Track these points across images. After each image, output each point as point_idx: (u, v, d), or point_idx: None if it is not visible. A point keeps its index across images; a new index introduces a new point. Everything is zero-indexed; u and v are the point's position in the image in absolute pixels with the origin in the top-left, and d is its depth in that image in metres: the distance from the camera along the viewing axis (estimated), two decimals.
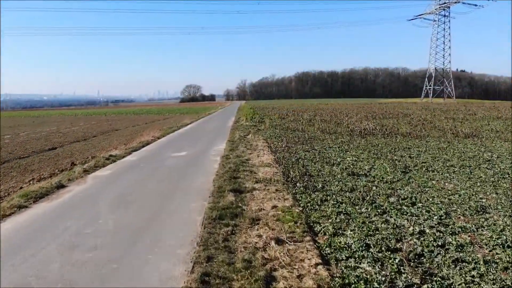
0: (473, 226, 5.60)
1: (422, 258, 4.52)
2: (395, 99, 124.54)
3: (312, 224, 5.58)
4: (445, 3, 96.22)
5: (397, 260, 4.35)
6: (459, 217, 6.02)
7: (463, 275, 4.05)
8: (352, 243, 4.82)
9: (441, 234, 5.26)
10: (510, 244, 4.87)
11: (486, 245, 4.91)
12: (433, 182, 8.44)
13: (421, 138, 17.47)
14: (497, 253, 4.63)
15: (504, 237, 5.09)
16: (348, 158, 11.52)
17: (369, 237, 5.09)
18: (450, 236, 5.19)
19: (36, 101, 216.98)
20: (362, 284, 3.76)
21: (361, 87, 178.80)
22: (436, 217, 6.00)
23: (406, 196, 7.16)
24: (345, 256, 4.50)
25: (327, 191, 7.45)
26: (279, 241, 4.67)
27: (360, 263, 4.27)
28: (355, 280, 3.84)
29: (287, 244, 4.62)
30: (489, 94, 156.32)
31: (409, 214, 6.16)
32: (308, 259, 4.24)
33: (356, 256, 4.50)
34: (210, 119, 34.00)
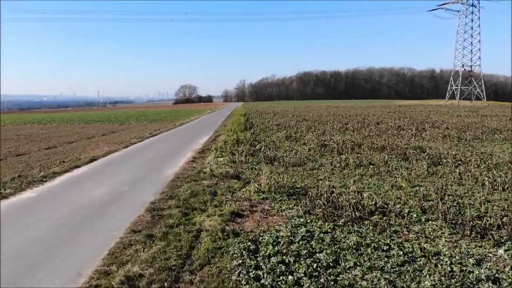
0: None
1: None
2: (411, 100, 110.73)
3: None
4: None
5: None
6: None
7: None
8: None
9: None
10: None
11: None
12: None
13: None
14: None
15: None
16: None
17: None
18: None
19: (36, 102, 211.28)
20: None
21: (365, 88, 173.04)
22: None
23: None
24: None
25: None
26: None
27: None
28: None
29: None
30: (498, 95, 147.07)
31: None
32: None
33: None
34: (164, 139, 19.68)
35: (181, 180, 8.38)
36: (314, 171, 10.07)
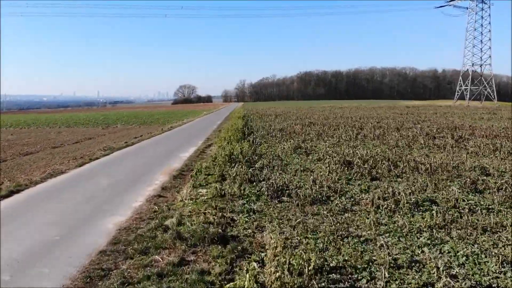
0: None
1: None
2: (417, 101, 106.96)
3: None
4: None
5: None
6: None
7: None
8: None
9: None
10: None
11: None
12: None
13: None
14: None
15: None
16: None
17: None
18: None
19: (36, 102, 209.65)
20: None
21: (367, 88, 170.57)
22: None
23: None
24: None
25: None
26: None
27: None
28: None
29: None
30: (501, 95, 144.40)
31: None
32: None
33: None
34: (138, 152, 15.89)
35: (118, 252, 4.63)
36: (346, 215, 6.37)
